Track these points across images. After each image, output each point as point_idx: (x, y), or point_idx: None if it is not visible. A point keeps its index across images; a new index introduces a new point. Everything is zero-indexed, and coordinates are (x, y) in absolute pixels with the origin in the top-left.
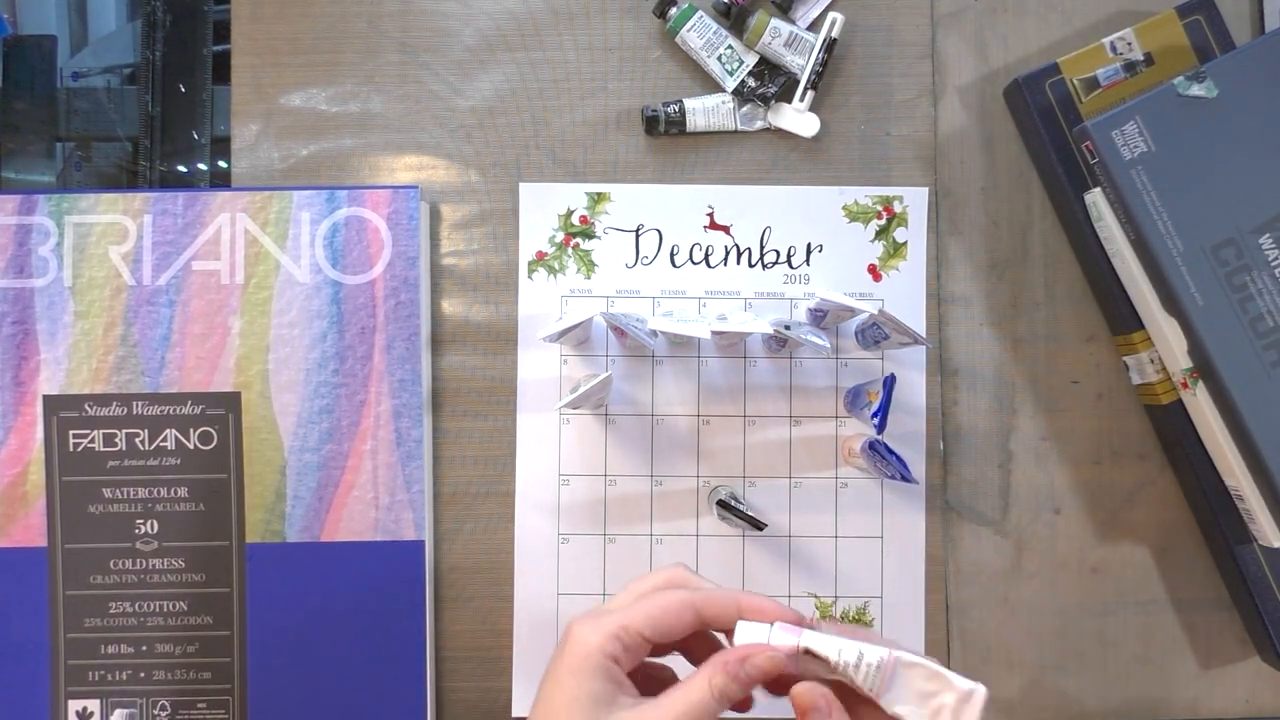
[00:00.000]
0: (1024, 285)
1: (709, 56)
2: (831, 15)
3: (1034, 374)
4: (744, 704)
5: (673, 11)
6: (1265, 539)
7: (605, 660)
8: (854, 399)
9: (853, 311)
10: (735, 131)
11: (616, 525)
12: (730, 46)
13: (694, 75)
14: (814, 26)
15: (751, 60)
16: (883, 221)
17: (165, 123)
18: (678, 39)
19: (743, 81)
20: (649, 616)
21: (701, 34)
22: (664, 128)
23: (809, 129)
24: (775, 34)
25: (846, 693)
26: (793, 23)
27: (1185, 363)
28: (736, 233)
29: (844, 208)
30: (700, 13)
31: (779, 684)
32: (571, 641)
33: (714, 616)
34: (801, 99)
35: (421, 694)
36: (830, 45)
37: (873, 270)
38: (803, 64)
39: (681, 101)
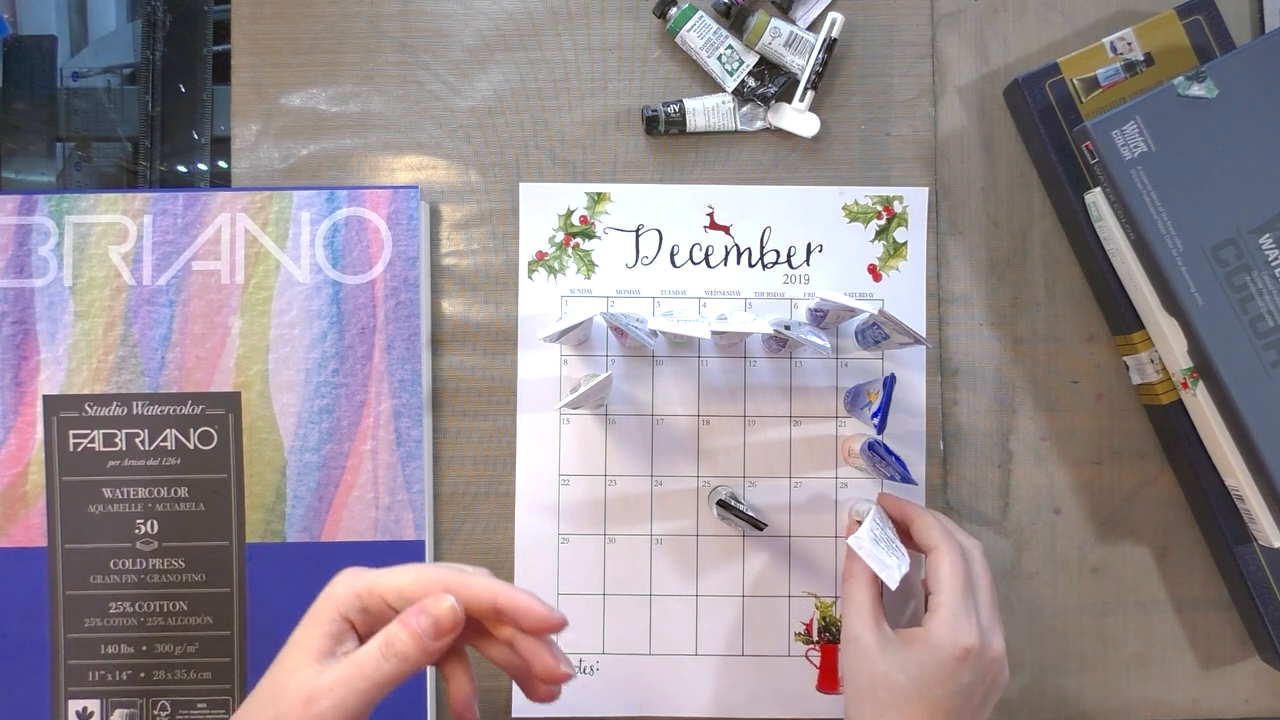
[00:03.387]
0: (1024, 285)
1: (709, 56)
2: (831, 15)
3: (1034, 374)
4: (544, 694)
5: (673, 11)
6: (1265, 539)
7: (337, 615)
8: (854, 399)
9: (853, 311)
10: (735, 131)
11: (616, 525)
12: (730, 46)
13: (694, 75)
14: (814, 27)
15: (752, 60)
16: (883, 221)
17: (165, 123)
18: (678, 39)
19: (743, 81)
20: (397, 586)
21: (701, 34)
22: (664, 128)
23: (809, 129)
24: (775, 34)
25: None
26: (793, 23)
27: (1185, 363)
28: (736, 233)
29: (844, 208)
30: (700, 13)
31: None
32: (328, 586)
33: (469, 602)
34: (801, 99)
35: (421, 694)
36: (830, 45)
37: (873, 270)
38: (803, 64)
39: (681, 101)
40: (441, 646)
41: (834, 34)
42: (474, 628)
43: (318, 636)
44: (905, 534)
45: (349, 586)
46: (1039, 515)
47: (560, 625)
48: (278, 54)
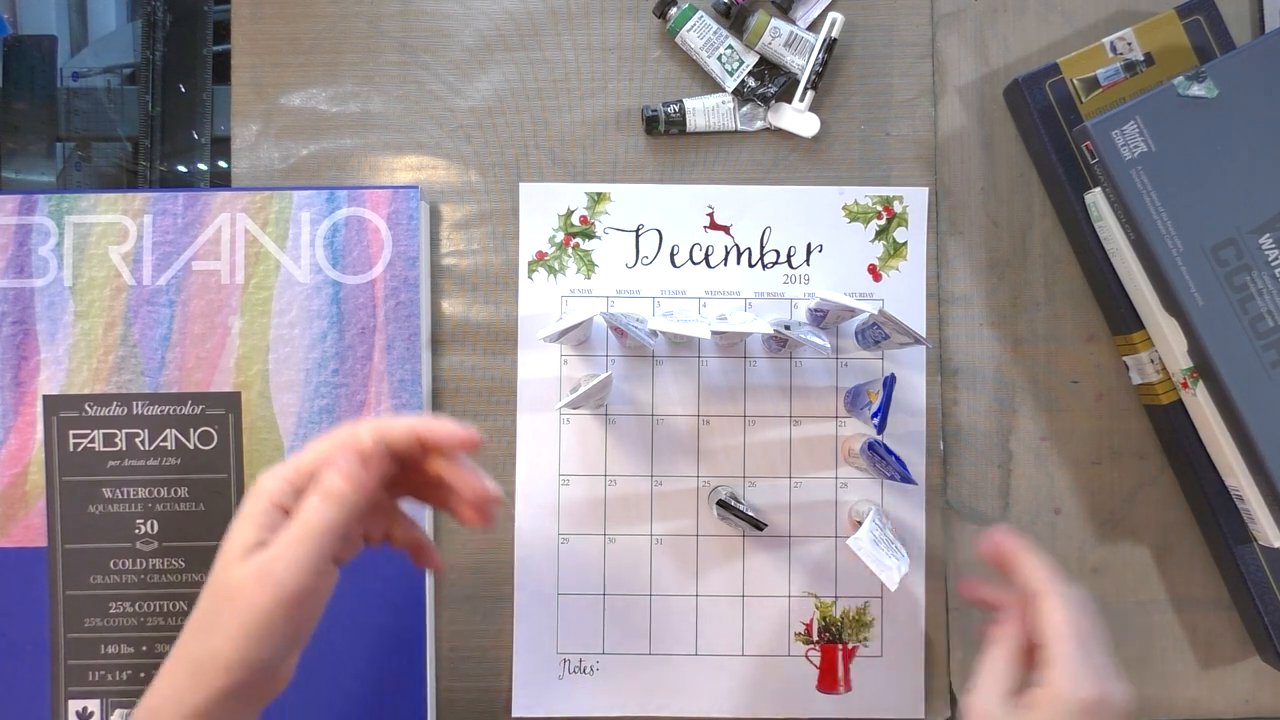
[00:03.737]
0: (1024, 285)
1: (709, 56)
2: (831, 15)
3: (1034, 374)
4: (474, 517)
5: (673, 12)
6: (1265, 539)
7: (270, 505)
8: (854, 399)
9: (853, 311)
10: (735, 131)
11: (616, 525)
12: (730, 46)
13: (694, 75)
14: (814, 27)
15: (751, 60)
16: (883, 221)
17: (165, 123)
18: (678, 39)
19: (743, 81)
20: (319, 454)
21: (701, 34)
22: (664, 128)
23: (809, 129)
24: (775, 34)
25: None
26: (793, 23)
27: (1185, 363)
28: (736, 233)
29: (844, 208)
30: (700, 13)
31: None
32: (253, 485)
33: (392, 439)
34: (801, 99)
35: (421, 694)
36: (830, 45)
37: (873, 270)
38: (803, 64)
39: (681, 101)
40: (371, 477)
41: (834, 34)
42: (406, 481)
43: (253, 530)
44: (1007, 574)
45: (277, 475)
46: (1039, 515)
47: (476, 441)
48: (278, 54)
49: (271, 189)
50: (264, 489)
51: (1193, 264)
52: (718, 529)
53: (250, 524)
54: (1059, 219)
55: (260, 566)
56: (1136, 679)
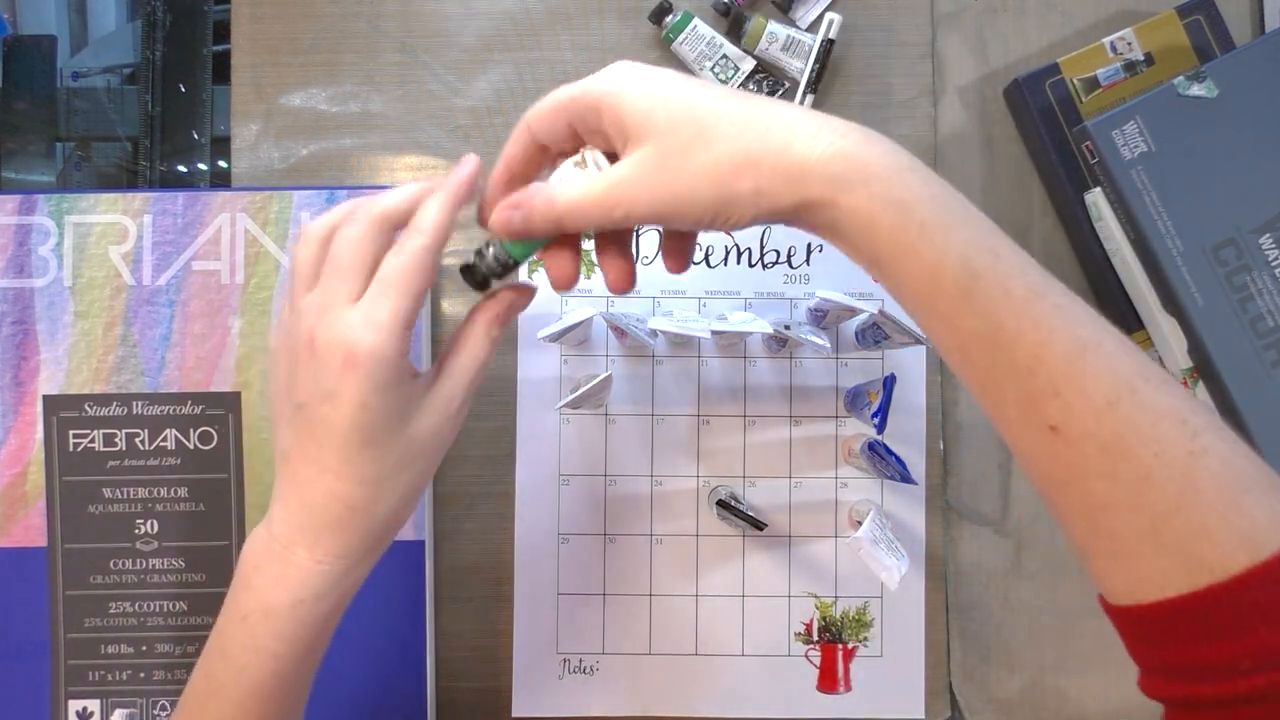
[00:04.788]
0: None
1: (701, 70)
2: (829, 16)
3: None
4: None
5: (668, 19)
6: None
7: (403, 364)
8: (854, 399)
9: (853, 311)
10: None
11: (616, 525)
12: (725, 56)
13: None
14: (814, 28)
15: (748, 66)
16: None
17: (165, 123)
18: (672, 48)
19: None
20: (416, 295)
21: (694, 46)
22: None
23: None
24: (772, 38)
25: None
26: (792, 23)
27: (1185, 363)
28: (736, 232)
29: None
30: (696, 21)
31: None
32: (362, 357)
33: (447, 232)
34: (801, 103)
35: (421, 694)
36: (828, 47)
37: None
38: (801, 67)
39: None
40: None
41: (831, 35)
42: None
43: (404, 393)
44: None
45: (388, 333)
46: (1039, 515)
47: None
48: (278, 54)
49: (271, 189)
50: (394, 353)
51: (1193, 264)
52: (718, 529)
53: (398, 387)
54: (1059, 219)
55: (447, 395)
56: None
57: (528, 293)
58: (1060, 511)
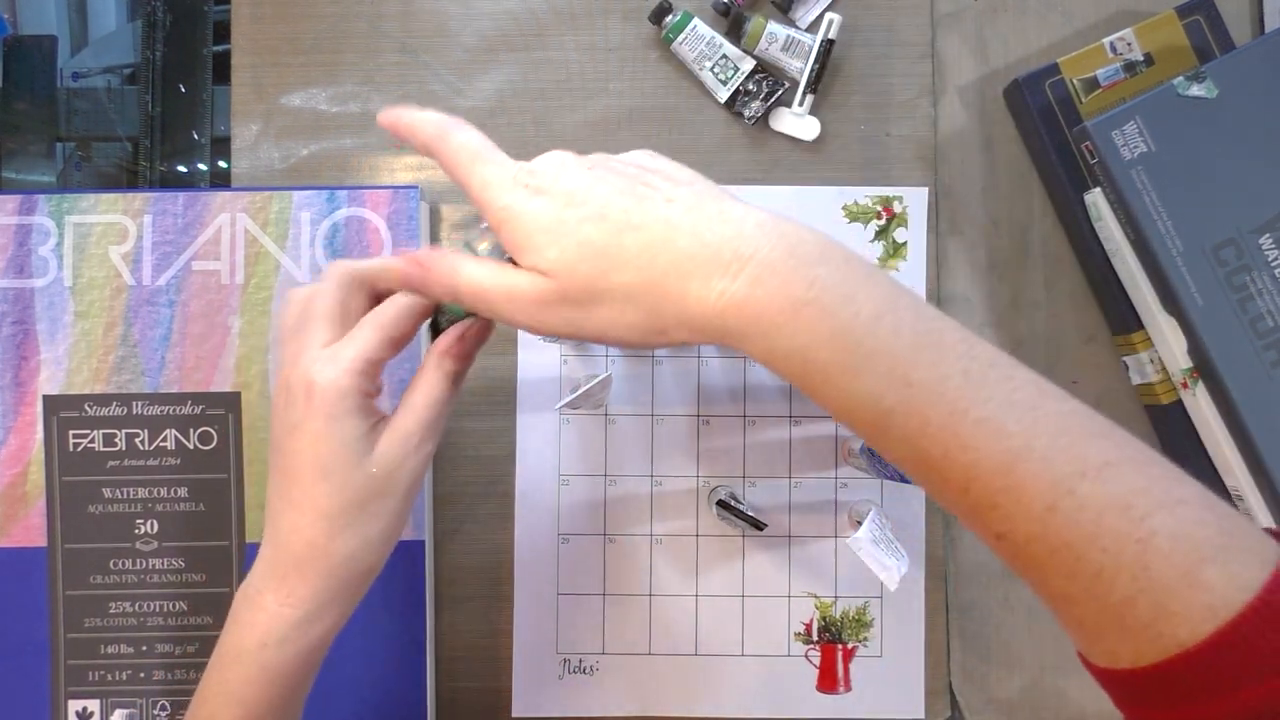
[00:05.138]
0: (1024, 285)
1: (701, 69)
2: (829, 16)
3: None
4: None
5: (668, 20)
6: None
7: (361, 399)
8: None
9: None
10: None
11: (616, 525)
12: (725, 56)
13: (694, 78)
14: (814, 28)
15: (748, 66)
16: (882, 221)
17: (165, 123)
18: (672, 48)
19: (738, 89)
20: (385, 338)
21: (694, 46)
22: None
23: (809, 133)
24: (772, 39)
25: None
26: (792, 23)
27: (1185, 363)
28: None
29: (844, 208)
30: (695, 21)
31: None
32: (319, 389)
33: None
34: (801, 103)
35: (421, 694)
36: (828, 47)
37: None
38: (801, 67)
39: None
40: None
41: (831, 35)
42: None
43: (358, 426)
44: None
45: (347, 371)
46: None
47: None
48: (278, 54)
49: (271, 189)
50: (348, 388)
51: (1193, 264)
52: (718, 529)
53: (350, 423)
54: (1059, 219)
55: (403, 444)
56: None
57: (480, 323)
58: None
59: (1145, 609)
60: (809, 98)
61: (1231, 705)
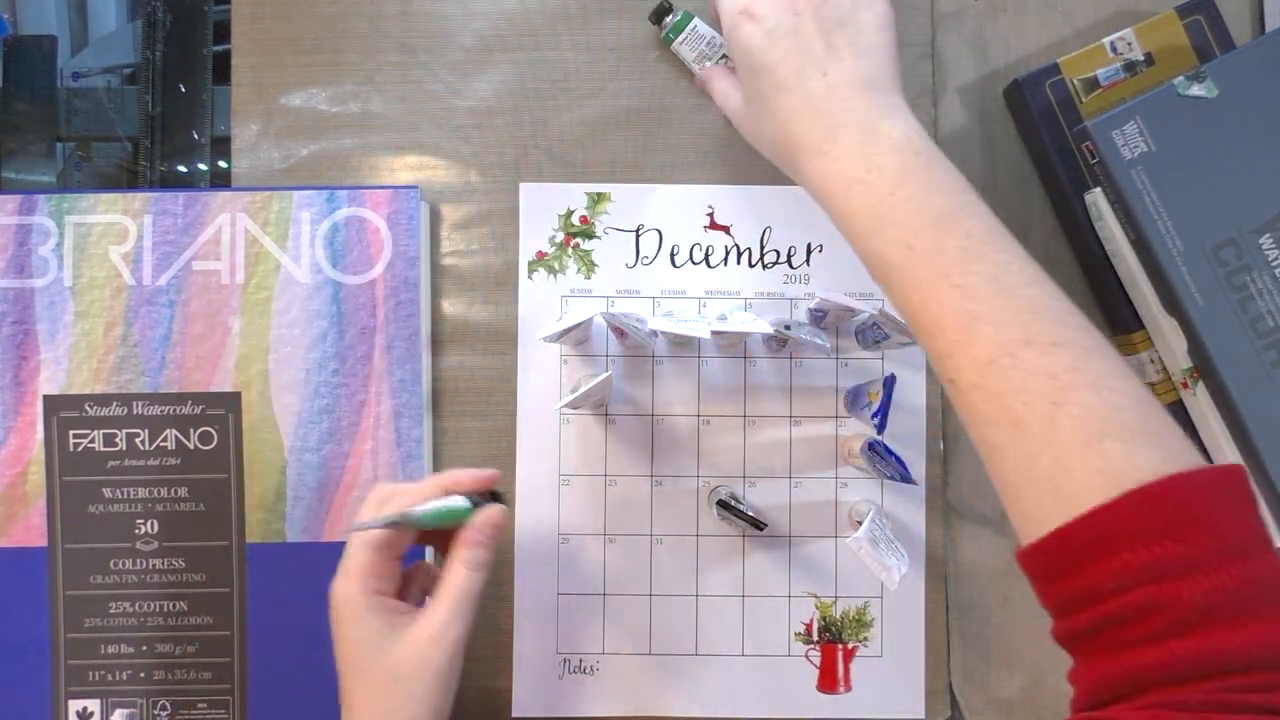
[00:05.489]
0: None
1: (701, 70)
2: None
3: None
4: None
5: (668, 20)
6: None
7: (370, 597)
8: (854, 399)
9: (853, 311)
10: None
11: (616, 525)
12: (725, 56)
13: (692, 77)
14: None
15: None
16: None
17: (165, 123)
18: (672, 48)
19: None
20: (370, 545)
21: (694, 46)
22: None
23: None
24: None
25: None
26: None
27: (1185, 363)
28: (736, 233)
29: None
30: (696, 21)
31: None
32: (334, 601)
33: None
34: None
35: None
36: None
37: None
38: None
39: None
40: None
41: None
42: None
43: (377, 622)
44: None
45: (352, 577)
46: None
47: (492, 476)
48: (278, 54)
49: (271, 189)
50: (355, 590)
51: (1193, 264)
52: (718, 529)
53: (367, 620)
54: (1059, 219)
55: (429, 634)
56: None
57: (496, 512)
58: (984, 465)
59: (1050, 463)
60: None
61: (1112, 567)
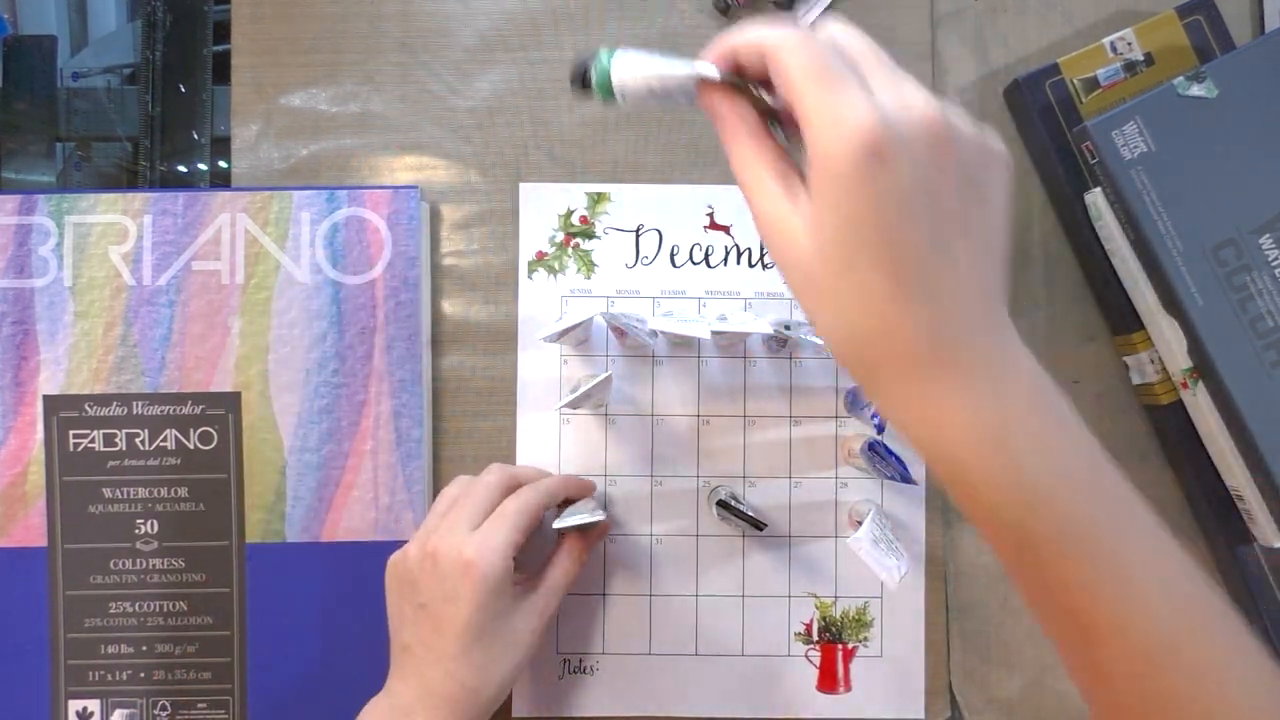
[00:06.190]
0: (1024, 285)
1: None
2: None
3: None
4: None
5: (591, 76)
6: (1265, 539)
7: (509, 575)
8: (854, 399)
9: None
10: None
11: (616, 525)
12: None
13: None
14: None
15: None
16: None
17: (165, 123)
18: (624, 108)
19: None
20: (524, 528)
21: (639, 91)
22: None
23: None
24: None
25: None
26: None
27: (1185, 363)
28: (736, 233)
29: None
30: (618, 58)
31: None
32: (479, 570)
33: (557, 497)
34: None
35: None
36: None
37: None
38: None
39: None
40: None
41: None
42: None
43: (507, 602)
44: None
45: (501, 554)
46: None
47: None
48: (278, 54)
49: (271, 189)
50: (502, 570)
51: (1193, 264)
52: (718, 529)
53: (503, 595)
54: (1059, 219)
55: (538, 609)
56: None
57: (608, 525)
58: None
59: None
60: None
61: None
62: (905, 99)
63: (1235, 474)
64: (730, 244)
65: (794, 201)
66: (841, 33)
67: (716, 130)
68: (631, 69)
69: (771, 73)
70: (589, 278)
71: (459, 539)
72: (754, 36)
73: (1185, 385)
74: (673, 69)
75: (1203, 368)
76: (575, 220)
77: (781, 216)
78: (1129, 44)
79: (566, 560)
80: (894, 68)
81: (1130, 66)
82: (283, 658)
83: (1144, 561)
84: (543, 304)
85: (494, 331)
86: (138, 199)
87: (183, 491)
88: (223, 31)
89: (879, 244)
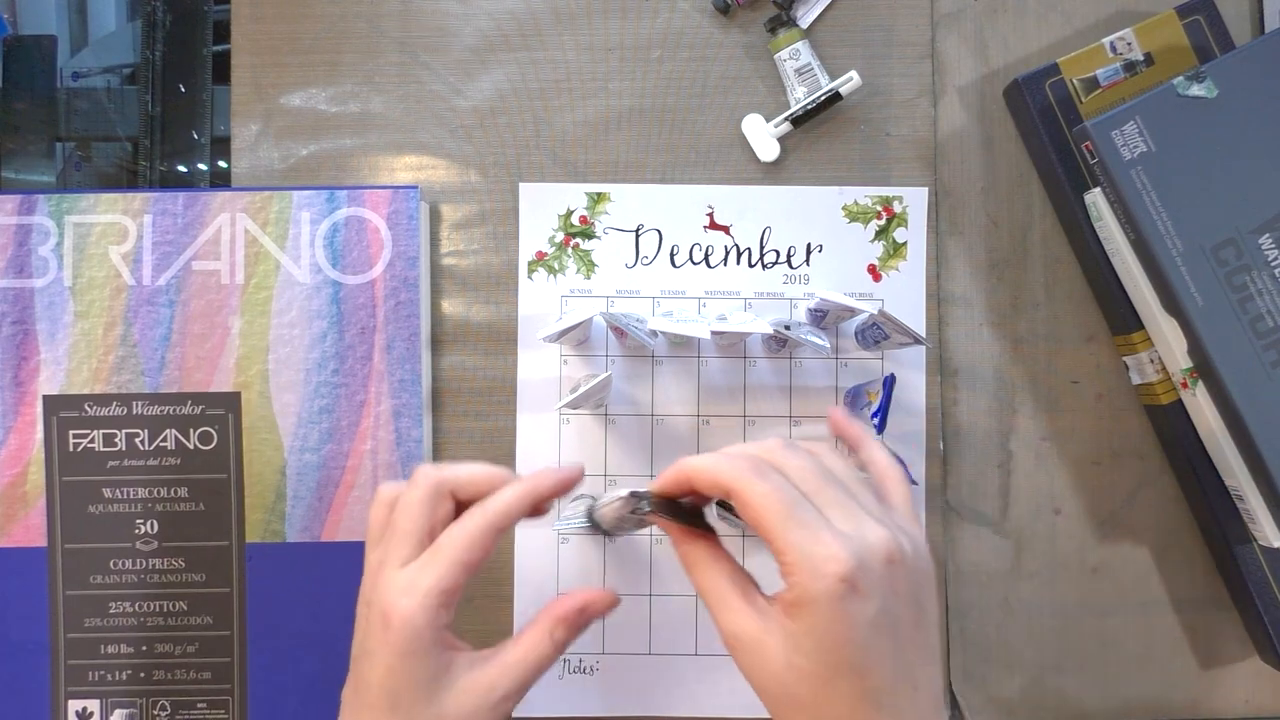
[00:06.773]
0: (1024, 285)
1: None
2: (850, 74)
3: (1034, 374)
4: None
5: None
6: (1265, 539)
7: (437, 633)
8: (854, 399)
9: (853, 311)
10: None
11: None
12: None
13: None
14: (826, 64)
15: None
16: (882, 221)
17: (165, 123)
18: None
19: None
20: (462, 566)
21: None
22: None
23: (768, 154)
24: (795, 55)
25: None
26: (818, 58)
27: (1185, 363)
28: (736, 233)
29: (844, 208)
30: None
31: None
32: (395, 622)
33: (513, 518)
34: (778, 125)
35: None
36: (834, 97)
37: (872, 270)
38: (800, 97)
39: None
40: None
41: (842, 90)
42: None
43: (435, 664)
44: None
45: (425, 605)
46: (1039, 515)
47: (573, 472)
48: (278, 54)
49: (271, 189)
50: (424, 624)
51: (1193, 264)
52: (718, 529)
53: (429, 657)
54: (1059, 219)
55: (489, 681)
56: (1136, 679)
57: (607, 599)
58: None
59: None
60: (786, 125)
61: None
62: (864, 533)
63: (1235, 474)
64: (730, 244)
65: (763, 620)
66: (789, 458)
67: (672, 543)
68: (602, 513)
69: (739, 508)
70: (589, 278)
71: (386, 580)
72: (710, 471)
73: (1185, 385)
74: (611, 505)
75: (1202, 368)
76: (575, 220)
77: (754, 637)
78: (1129, 44)
79: (537, 636)
80: (845, 493)
81: (1130, 66)
82: (283, 658)
83: None
84: (542, 304)
85: (494, 331)
86: (138, 199)
87: (182, 491)
88: (223, 31)
89: (856, 667)
